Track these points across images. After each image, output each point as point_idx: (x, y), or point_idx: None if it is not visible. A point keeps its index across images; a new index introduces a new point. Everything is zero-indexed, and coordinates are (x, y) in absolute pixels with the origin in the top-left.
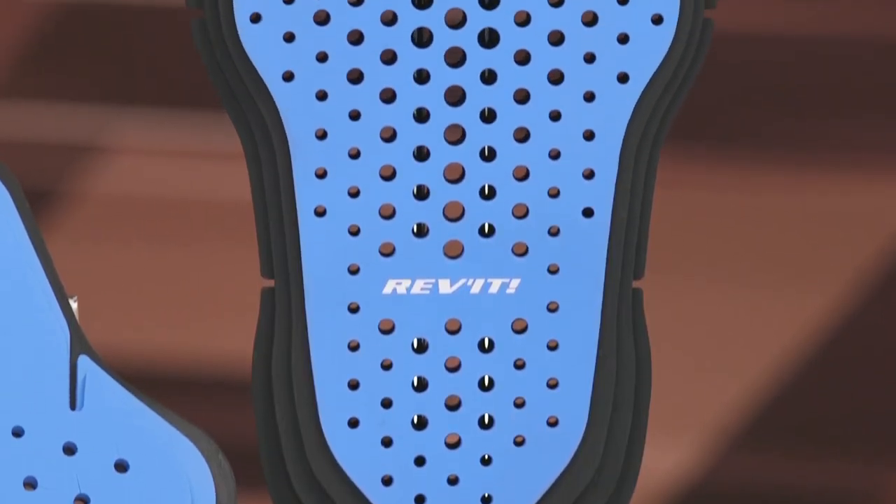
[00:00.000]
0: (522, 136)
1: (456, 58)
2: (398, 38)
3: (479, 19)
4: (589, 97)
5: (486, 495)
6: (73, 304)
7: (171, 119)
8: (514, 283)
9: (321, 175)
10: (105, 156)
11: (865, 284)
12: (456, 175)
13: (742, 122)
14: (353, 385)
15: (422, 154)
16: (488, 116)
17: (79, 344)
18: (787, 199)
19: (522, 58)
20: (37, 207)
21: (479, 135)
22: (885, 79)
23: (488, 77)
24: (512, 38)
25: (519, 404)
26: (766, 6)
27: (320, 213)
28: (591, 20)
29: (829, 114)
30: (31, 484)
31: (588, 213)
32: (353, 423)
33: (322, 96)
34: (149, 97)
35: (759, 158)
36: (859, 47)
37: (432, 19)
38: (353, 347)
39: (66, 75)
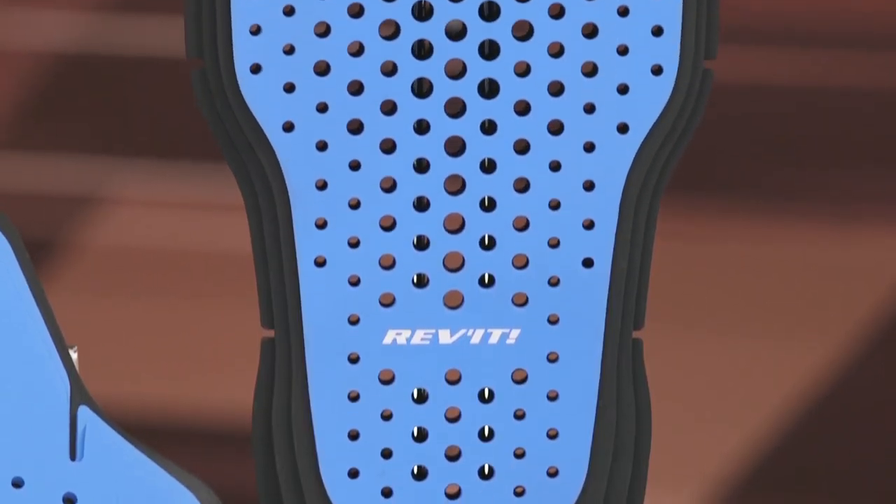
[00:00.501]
0: (522, 186)
1: (456, 108)
2: (398, 88)
3: (479, 70)
4: (589, 147)
5: None
6: (74, 355)
7: (170, 170)
8: (514, 333)
9: (321, 225)
10: (105, 207)
11: (865, 336)
12: (456, 225)
13: (742, 173)
14: (354, 435)
15: (422, 204)
16: (488, 167)
17: (79, 394)
18: (787, 250)
19: (522, 108)
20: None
21: (479, 185)
22: (885, 131)
23: (488, 128)
24: (512, 89)
25: (519, 455)
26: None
27: (320, 263)
28: (590, 71)
29: (829, 165)
30: None
31: (588, 263)
32: (354, 474)
33: (322, 147)
34: (148, 148)
35: (759, 209)
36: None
37: (432, 70)
38: (354, 398)
39: (66, 126)
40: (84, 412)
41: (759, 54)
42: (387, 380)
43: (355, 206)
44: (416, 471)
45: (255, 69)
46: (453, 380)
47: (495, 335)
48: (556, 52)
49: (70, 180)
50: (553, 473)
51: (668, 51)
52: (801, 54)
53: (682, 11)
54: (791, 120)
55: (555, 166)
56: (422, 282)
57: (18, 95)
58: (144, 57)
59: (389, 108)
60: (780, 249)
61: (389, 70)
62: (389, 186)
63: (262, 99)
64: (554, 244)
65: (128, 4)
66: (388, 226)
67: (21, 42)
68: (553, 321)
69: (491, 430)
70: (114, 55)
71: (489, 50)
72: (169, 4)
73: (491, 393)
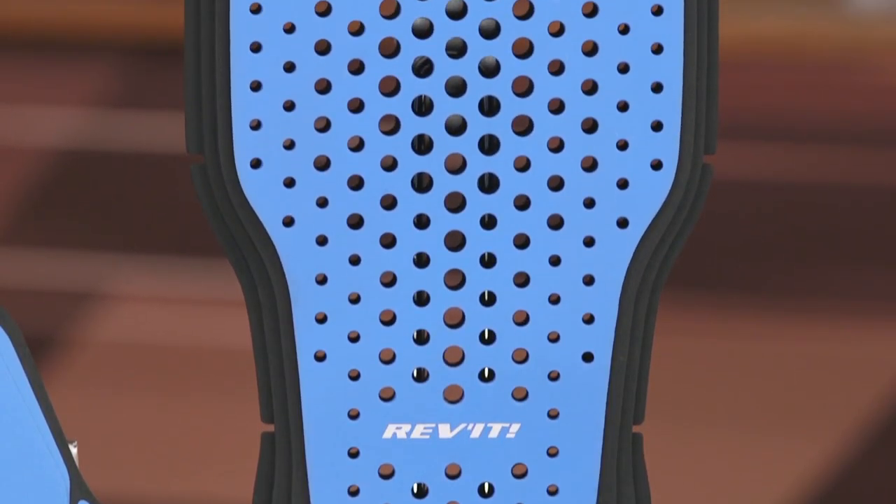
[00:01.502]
0: (522, 280)
1: (456, 203)
2: (398, 183)
3: (479, 164)
4: (588, 242)
5: None
6: (73, 450)
7: (170, 266)
8: (514, 427)
9: (321, 320)
10: (105, 303)
11: (865, 431)
12: (456, 320)
13: (742, 269)
14: None
15: (422, 299)
16: (488, 261)
17: (78, 490)
18: (786, 347)
19: (522, 203)
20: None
21: (479, 280)
22: (884, 227)
23: (488, 222)
24: (511, 184)
25: None
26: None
27: (320, 357)
28: (590, 165)
29: (828, 261)
30: None
31: (588, 357)
32: None
33: (322, 241)
34: (149, 244)
35: (759, 305)
36: (860, 195)
37: (432, 164)
38: (353, 492)
39: (66, 222)
40: None
41: (759, 150)
42: (387, 474)
43: (355, 300)
44: None
45: (256, 164)
46: (453, 474)
47: (495, 429)
48: (556, 146)
49: (70, 276)
50: None
51: (668, 146)
52: (801, 150)
53: (681, 107)
54: (790, 216)
55: (554, 261)
56: (422, 376)
57: (19, 191)
58: (144, 152)
59: (389, 203)
60: (778, 345)
61: (389, 164)
62: (389, 281)
63: (262, 194)
64: (554, 338)
65: (127, 100)
66: (388, 321)
67: (21, 138)
68: (553, 416)
69: None
70: (114, 151)
71: (489, 146)
72: (169, 100)
73: (491, 487)
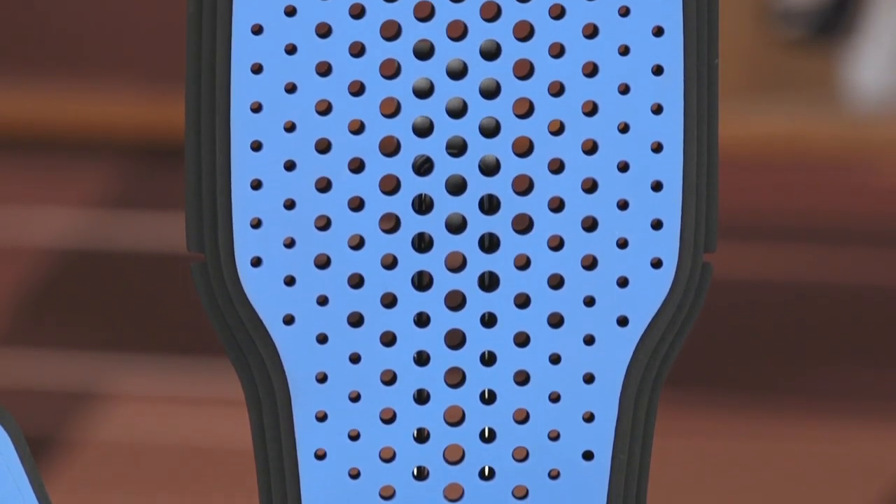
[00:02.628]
0: (522, 378)
1: (456, 301)
2: (398, 281)
3: (480, 262)
4: (589, 340)
5: None
6: None
7: (170, 365)
8: None
9: (321, 418)
10: (106, 403)
11: None
12: (456, 418)
13: (740, 368)
14: None
15: (422, 397)
16: (488, 359)
17: None
18: (786, 446)
19: (522, 301)
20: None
21: (479, 378)
22: (885, 328)
23: (488, 320)
24: (512, 282)
25: None
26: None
27: (320, 456)
28: (590, 264)
29: (827, 361)
30: None
31: (588, 456)
32: None
33: (322, 339)
34: (148, 343)
35: (759, 405)
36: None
37: (432, 263)
38: None
39: (66, 322)
40: None
41: (758, 249)
42: None
43: (355, 398)
44: None
45: (256, 262)
46: None
47: None
48: (556, 245)
49: (70, 375)
50: None
51: (668, 244)
52: (800, 249)
53: (681, 206)
54: (790, 314)
55: (555, 359)
56: (422, 474)
57: (19, 291)
58: (144, 252)
59: (389, 302)
60: (778, 444)
61: (390, 263)
62: (390, 379)
63: (262, 292)
64: (554, 437)
65: (127, 200)
66: (389, 419)
67: (21, 238)
68: None
69: None
70: (114, 250)
71: (489, 244)
72: (168, 200)
73: None
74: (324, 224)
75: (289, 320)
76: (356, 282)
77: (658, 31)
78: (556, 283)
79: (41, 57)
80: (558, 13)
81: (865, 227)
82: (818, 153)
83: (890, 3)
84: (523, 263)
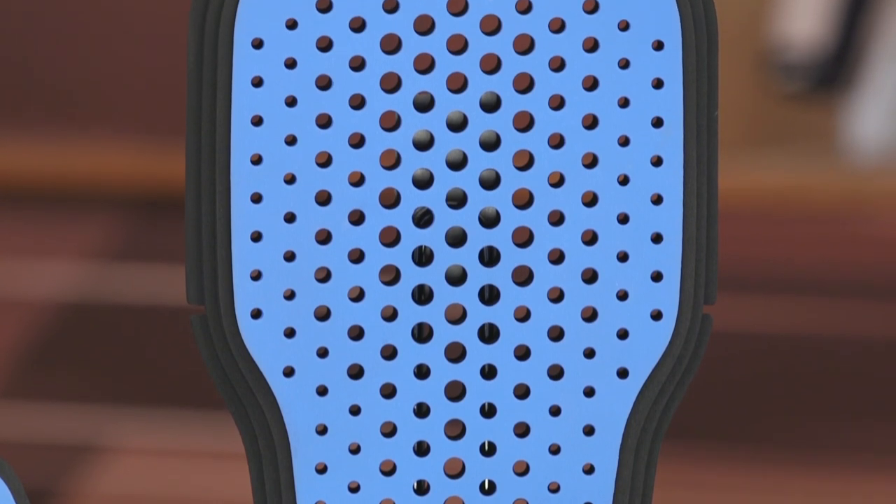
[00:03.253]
0: (522, 430)
1: (456, 353)
2: (398, 334)
3: (480, 314)
4: (589, 392)
5: None
6: None
7: (170, 418)
8: None
9: (321, 470)
10: (106, 456)
11: None
12: (456, 470)
13: (741, 422)
14: None
15: (422, 449)
16: (488, 411)
17: None
18: (786, 499)
19: (522, 353)
20: None
21: (479, 430)
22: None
23: (488, 372)
24: (511, 334)
25: None
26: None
27: None
28: (590, 316)
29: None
30: None
31: None
32: None
33: (322, 392)
34: (148, 396)
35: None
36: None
37: (433, 315)
38: None
39: (66, 375)
40: None
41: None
42: None
43: (355, 450)
44: None
45: (256, 314)
46: None
47: None
48: (556, 297)
49: (70, 428)
50: None
51: (668, 296)
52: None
53: (681, 258)
54: (790, 367)
55: (555, 411)
56: None
57: (20, 344)
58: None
59: (389, 354)
60: (778, 497)
61: (389, 315)
62: (389, 431)
63: (262, 344)
64: (554, 489)
65: (127, 252)
66: (388, 470)
67: (21, 291)
68: None
69: None
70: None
71: (489, 296)
72: (168, 252)
73: None
74: (324, 276)
75: (289, 372)
76: (356, 334)
77: (658, 84)
78: (556, 334)
79: (41, 109)
80: (558, 65)
81: (866, 279)
82: (818, 205)
83: (889, 56)
84: (523, 315)
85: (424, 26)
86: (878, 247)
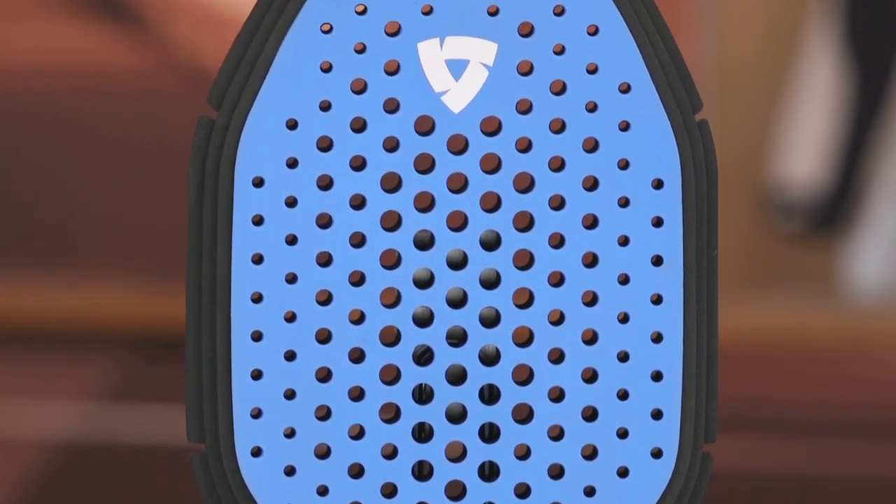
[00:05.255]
0: (522, 490)
1: (456, 491)
2: (399, 471)
3: (479, 453)
4: None
5: None
6: None
7: None
8: None
9: None
10: None
11: None
12: None
13: None
14: None
15: None
16: (489, 474)
17: None
18: None
19: (522, 491)
20: None
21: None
22: None
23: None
24: (512, 473)
25: None
26: (765, 443)
27: None
28: (590, 454)
29: None
30: None
31: None
32: None
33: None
34: None
35: None
36: (860, 487)
37: (433, 453)
38: None
39: None
40: None
41: (758, 440)
42: None
43: None
44: None
45: (256, 452)
46: None
47: None
48: (556, 435)
49: None
50: None
51: (668, 434)
52: (799, 441)
53: (681, 396)
54: None
55: (555, 473)
56: None
57: (19, 486)
58: (144, 444)
59: (389, 492)
60: None
61: (390, 454)
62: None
63: (262, 482)
64: None
65: (126, 393)
66: None
67: (19, 432)
68: None
69: None
70: (113, 443)
71: (489, 433)
72: (168, 392)
73: None
74: (324, 413)
75: None
76: (356, 472)
77: (658, 222)
78: (557, 473)
79: (39, 249)
80: (558, 204)
81: (866, 420)
82: (818, 345)
83: (888, 196)
84: (523, 454)
85: (425, 165)
86: (877, 388)
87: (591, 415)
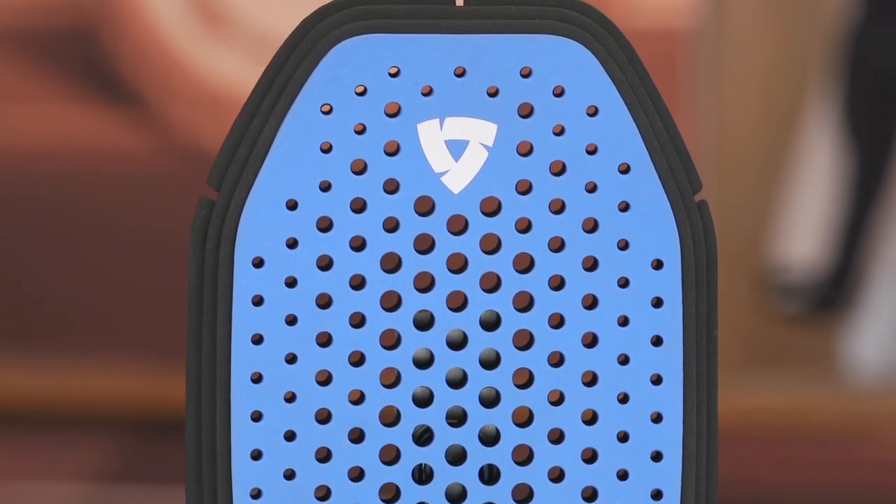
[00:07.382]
0: None
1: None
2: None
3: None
4: None
5: None
6: None
7: None
8: None
9: None
10: None
11: None
12: None
13: None
14: None
15: None
16: None
17: None
18: None
19: (522, 460)
20: None
21: None
22: None
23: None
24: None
25: None
26: None
27: None
28: (590, 496)
29: None
30: None
31: None
32: None
33: None
34: None
35: None
36: None
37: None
38: None
39: None
40: None
41: None
42: None
43: None
44: None
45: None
46: None
47: None
48: (556, 476)
49: None
50: None
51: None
52: None
53: (681, 476)
54: None
55: None
56: None
57: None
58: None
59: (391, 496)
60: None
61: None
62: None
63: None
64: None
65: (126, 475)
66: None
67: None
68: None
69: None
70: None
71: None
72: (167, 474)
73: None
74: (323, 494)
75: None
76: None
77: (658, 302)
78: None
79: (38, 331)
80: (557, 284)
81: (867, 501)
82: (818, 427)
83: (888, 278)
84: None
85: (424, 245)
86: (878, 469)
87: (591, 495)
